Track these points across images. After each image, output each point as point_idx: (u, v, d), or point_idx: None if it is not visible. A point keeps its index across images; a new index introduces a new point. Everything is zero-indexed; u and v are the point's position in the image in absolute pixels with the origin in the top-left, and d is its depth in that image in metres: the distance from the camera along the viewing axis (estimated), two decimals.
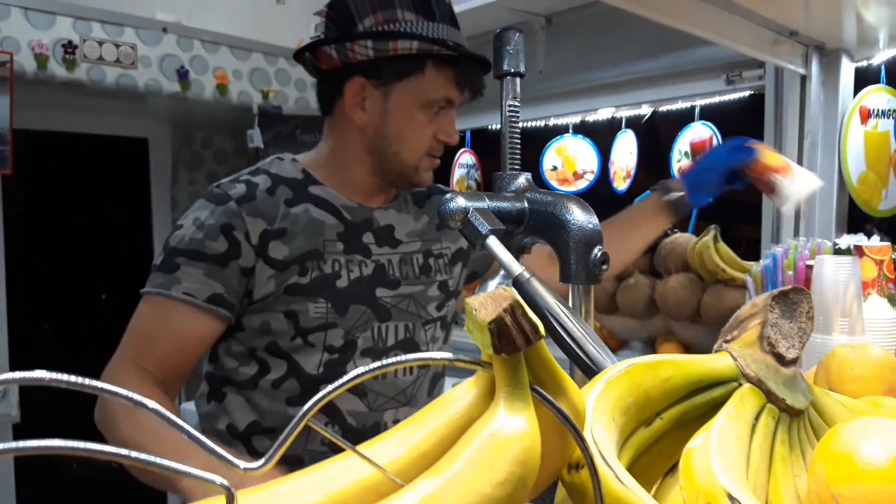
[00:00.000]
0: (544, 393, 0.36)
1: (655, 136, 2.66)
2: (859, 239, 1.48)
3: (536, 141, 2.45)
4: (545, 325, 0.58)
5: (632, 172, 2.31)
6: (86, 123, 2.48)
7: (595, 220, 0.66)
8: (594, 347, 0.54)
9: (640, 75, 1.97)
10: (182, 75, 2.16)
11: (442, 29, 1.05)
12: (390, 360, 0.35)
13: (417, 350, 1.14)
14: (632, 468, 0.46)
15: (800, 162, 1.60)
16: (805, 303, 0.49)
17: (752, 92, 1.83)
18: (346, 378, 0.34)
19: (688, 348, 1.95)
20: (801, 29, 1.45)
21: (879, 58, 1.63)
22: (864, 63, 1.65)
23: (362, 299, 1.08)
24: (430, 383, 1.19)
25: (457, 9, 2.03)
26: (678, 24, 1.25)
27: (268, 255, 1.03)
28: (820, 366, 0.76)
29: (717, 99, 1.98)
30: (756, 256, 1.81)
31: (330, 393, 0.34)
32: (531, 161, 2.38)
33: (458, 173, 2.62)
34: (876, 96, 1.60)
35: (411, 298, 1.15)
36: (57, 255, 2.84)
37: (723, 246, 1.84)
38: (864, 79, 1.64)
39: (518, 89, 0.73)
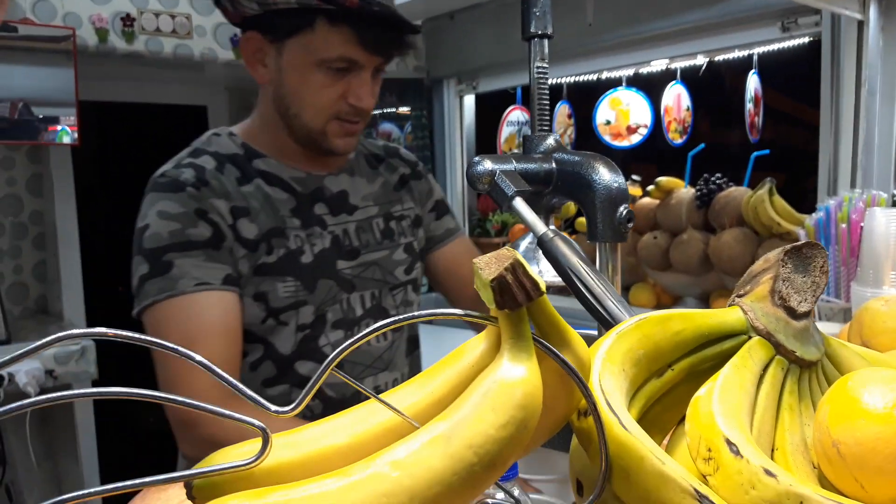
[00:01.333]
0: (547, 344, 0.39)
1: (714, 86, 2.60)
2: None
3: (590, 95, 2.42)
4: (568, 282, 0.61)
5: (689, 126, 2.27)
6: (147, 93, 2.57)
7: (621, 178, 0.67)
8: (614, 304, 0.56)
9: (692, 24, 1.93)
10: (235, 43, 2.21)
11: None
12: (400, 318, 0.38)
13: (386, 316, 1.12)
14: (645, 416, 0.49)
15: (857, 111, 1.55)
16: (819, 257, 0.50)
17: (809, 38, 1.77)
18: (362, 333, 0.37)
19: None
20: None
21: None
22: None
23: (328, 273, 1.05)
24: (407, 346, 1.18)
25: None
26: None
27: (240, 235, 0.99)
28: (854, 319, 0.76)
29: (774, 47, 1.93)
30: (815, 209, 1.77)
31: (354, 343, 0.37)
32: (585, 116, 2.36)
33: (506, 131, 2.62)
34: None
35: (376, 265, 1.11)
36: (126, 221, 2.96)
37: (778, 199, 1.81)
38: None
39: (546, 51, 0.74)
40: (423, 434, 0.36)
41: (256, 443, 0.37)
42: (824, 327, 1.24)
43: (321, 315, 1.05)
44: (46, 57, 1.89)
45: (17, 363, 1.91)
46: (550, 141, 0.73)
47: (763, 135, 2.06)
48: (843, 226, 1.34)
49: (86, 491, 0.32)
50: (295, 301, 1.03)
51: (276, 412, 0.36)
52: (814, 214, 1.42)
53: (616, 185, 0.66)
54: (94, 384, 2.23)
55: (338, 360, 0.37)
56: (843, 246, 1.35)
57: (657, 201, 2.14)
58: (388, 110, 2.78)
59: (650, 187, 2.16)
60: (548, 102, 0.74)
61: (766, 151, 1.99)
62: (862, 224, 1.28)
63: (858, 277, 1.17)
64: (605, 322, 0.56)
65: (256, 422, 0.36)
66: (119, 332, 0.35)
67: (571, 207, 2.15)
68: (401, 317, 0.38)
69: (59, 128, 2.00)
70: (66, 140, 2.00)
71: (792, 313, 0.49)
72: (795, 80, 2.25)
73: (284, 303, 1.02)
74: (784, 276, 0.49)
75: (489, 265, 0.37)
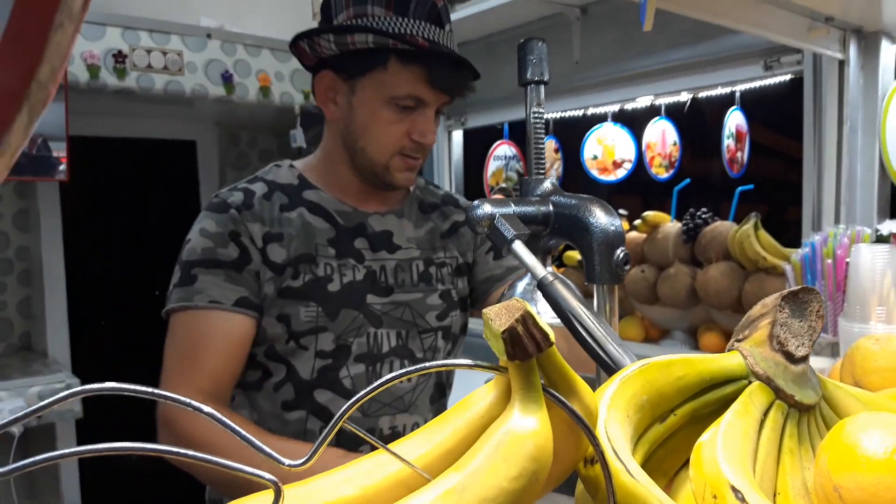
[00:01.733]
0: (556, 394, 0.39)
1: (699, 122, 2.64)
2: None
3: (576, 130, 2.45)
4: (568, 326, 0.61)
5: (676, 161, 2.30)
6: (137, 128, 2.58)
7: (617, 221, 0.68)
8: (614, 347, 0.57)
9: (677, 63, 1.97)
10: (227, 79, 2.23)
11: (411, 24, 1.02)
12: (417, 367, 0.39)
13: (412, 358, 1.14)
14: (648, 462, 0.49)
15: (839, 148, 1.59)
16: (815, 302, 0.51)
17: (791, 76, 1.81)
18: (382, 380, 0.38)
19: (729, 337, 1.95)
20: (837, 14, 1.44)
21: None
22: None
23: (354, 304, 1.09)
24: (435, 391, 1.19)
25: (492, 3, 2.05)
26: (711, 18, 1.26)
27: (268, 259, 1.05)
28: (845, 357, 0.77)
29: (756, 84, 1.97)
30: (799, 241, 1.80)
31: (368, 393, 0.38)
32: (573, 150, 2.39)
33: (493, 165, 2.65)
34: None
35: (407, 306, 1.14)
36: (112, 255, 2.96)
37: (764, 233, 1.84)
38: None
39: (542, 97, 0.76)
40: (435, 487, 0.36)
41: (268, 494, 0.37)
42: (813, 362, 1.26)
43: (343, 346, 1.08)
44: None
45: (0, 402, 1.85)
46: (547, 184, 0.74)
47: (747, 169, 2.10)
48: (829, 261, 1.37)
49: None
50: (315, 326, 1.06)
51: (289, 466, 0.37)
52: (799, 250, 1.45)
53: (613, 228, 0.67)
54: (79, 423, 2.19)
55: (350, 412, 0.37)
56: (829, 281, 1.37)
57: (644, 235, 2.16)
58: None
59: (637, 222, 2.18)
60: (544, 146, 0.75)
61: (751, 186, 2.02)
62: (847, 259, 1.30)
63: (845, 313, 1.18)
64: (606, 366, 0.57)
65: (269, 476, 0.36)
66: (132, 386, 0.35)
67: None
68: (406, 370, 0.38)
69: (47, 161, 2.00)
70: (56, 175, 2.00)
71: (790, 358, 0.50)
72: (778, 115, 2.30)
73: (305, 327, 1.06)
74: (781, 322, 0.50)
75: (500, 316, 0.38)
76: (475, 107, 2.56)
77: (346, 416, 0.37)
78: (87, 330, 2.69)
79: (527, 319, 0.37)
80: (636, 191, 2.86)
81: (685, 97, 2.18)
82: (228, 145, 2.81)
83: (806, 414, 0.50)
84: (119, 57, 2.02)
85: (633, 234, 2.20)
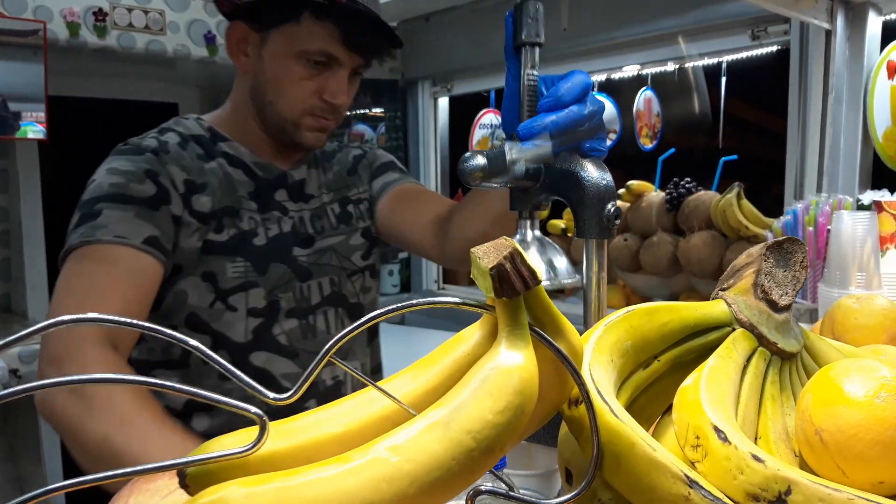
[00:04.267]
0: (543, 333, 0.39)
1: (683, 92, 2.64)
2: (882, 195, 1.48)
3: None
4: None
5: (658, 131, 2.31)
6: (118, 89, 2.54)
7: (608, 176, 0.68)
8: None
9: (664, 32, 1.96)
10: (209, 40, 2.19)
11: None
12: (404, 304, 0.39)
13: (345, 303, 1.12)
14: (631, 406, 0.50)
15: (823, 118, 1.59)
16: (799, 252, 0.52)
17: (778, 47, 1.81)
18: (367, 317, 0.38)
19: None
20: None
21: None
22: (892, 16, 1.62)
23: (282, 258, 1.06)
24: (367, 334, 1.18)
25: None
26: None
27: (192, 208, 0.99)
28: (826, 315, 0.78)
29: (743, 55, 1.97)
30: (781, 213, 1.81)
31: (356, 328, 0.37)
32: None
33: (478, 133, 2.64)
34: None
35: (332, 251, 1.12)
36: None
37: (746, 203, 1.85)
38: (892, 33, 1.62)
39: (536, 59, 0.75)
40: (422, 420, 0.36)
41: (252, 431, 0.37)
42: None
43: (274, 301, 1.04)
44: (15, 51, 1.85)
45: None
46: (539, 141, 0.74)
47: (730, 142, 2.11)
48: (810, 228, 1.38)
49: (75, 480, 0.32)
50: (244, 282, 1.02)
51: (274, 399, 0.36)
52: (782, 217, 1.46)
53: (604, 182, 0.67)
54: None
55: (337, 346, 0.37)
56: (809, 248, 1.38)
57: (628, 204, 2.17)
58: (362, 111, 2.78)
59: (621, 191, 2.19)
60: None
61: (735, 157, 2.03)
62: (829, 227, 1.31)
63: (825, 278, 1.20)
64: None
65: (254, 409, 0.36)
66: (111, 318, 0.35)
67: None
68: (400, 305, 0.38)
69: (22, 124, 1.96)
70: (32, 135, 1.96)
71: (773, 306, 0.50)
72: (763, 88, 2.30)
73: (233, 283, 1.01)
74: (766, 271, 0.51)
75: (487, 254, 0.38)
76: (461, 74, 2.54)
77: (332, 351, 0.37)
78: None
79: (515, 257, 0.37)
80: (621, 161, 2.87)
81: (671, 67, 2.17)
82: (211, 108, 2.76)
83: (788, 362, 0.51)
84: (100, 15, 1.98)
85: (617, 202, 2.21)
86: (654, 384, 0.50)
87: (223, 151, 1.07)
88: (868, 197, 1.47)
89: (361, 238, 1.18)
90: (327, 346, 0.38)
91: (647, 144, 2.32)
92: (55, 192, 2.43)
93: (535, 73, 0.75)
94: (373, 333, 1.21)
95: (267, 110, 1.06)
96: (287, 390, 1.07)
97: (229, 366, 0.35)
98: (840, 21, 1.55)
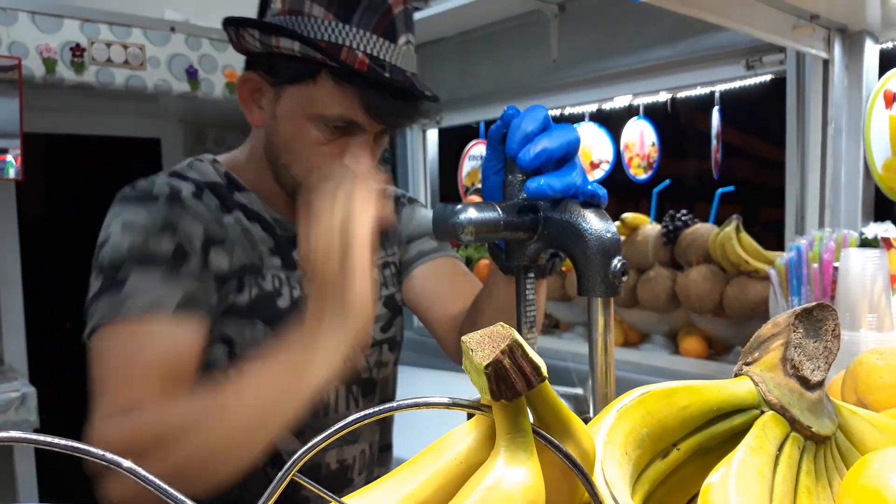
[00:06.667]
0: (549, 437, 0.33)
1: (678, 122, 2.61)
2: (886, 228, 1.44)
3: None
4: None
5: (654, 162, 2.27)
6: (98, 125, 2.48)
7: (613, 228, 0.62)
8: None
9: (656, 62, 1.92)
10: (191, 74, 2.14)
11: (352, 34, 0.85)
12: (381, 407, 0.33)
13: (357, 379, 1.02)
14: (649, 501, 0.44)
15: (823, 149, 1.55)
16: (831, 320, 0.46)
17: (773, 76, 1.78)
18: (337, 426, 0.32)
19: (710, 341, 1.92)
20: (823, 12, 1.40)
21: None
22: (890, 45, 1.59)
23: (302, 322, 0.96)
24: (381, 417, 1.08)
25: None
26: (693, 12, 1.21)
27: (211, 265, 0.88)
28: (847, 373, 0.72)
29: (737, 84, 1.93)
30: (782, 242, 1.76)
31: (317, 445, 0.31)
32: None
33: (467, 166, 2.59)
34: None
35: None
36: (73, 257, 2.85)
37: (745, 236, 1.80)
38: (889, 61, 1.58)
39: None
40: None
41: None
42: None
43: None
44: None
45: None
46: None
47: (726, 170, 2.06)
48: (815, 266, 1.32)
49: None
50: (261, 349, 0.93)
51: None
52: (784, 254, 1.40)
53: (609, 234, 0.61)
54: (37, 432, 2.09)
55: (299, 465, 0.31)
56: (815, 286, 1.33)
57: (623, 237, 2.12)
58: None
59: (616, 223, 2.14)
60: None
61: (731, 188, 1.98)
62: (835, 264, 1.26)
63: None
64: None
65: None
66: (34, 437, 0.29)
67: None
68: (376, 409, 0.32)
69: (5, 160, 1.90)
70: (11, 174, 1.90)
71: (805, 383, 0.44)
72: (758, 116, 2.27)
73: (250, 350, 0.91)
74: (795, 343, 0.45)
75: (482, 345, 0.32)
76: (450, 105, 2.50)
77: (292, 473, 0.31)
78: (46, 336, 2.58)
79: (514, 350, 0.31)
80: (614, 191, 2.83)
81: (664, 97, 2.14)
82: (194, 143, 2.71)
83: (822, 446, 0.45)
84: (77, 50, 1.93)
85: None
86: (674, 474, 0.44)
87: (241, 203, 0.96)
88: (872, 230, 1.42)
89: (383, 308, 1.06)
90: (292, 461, 0.31)
91: (640, 175, 2.28)
92: (33, 232, 2.36)
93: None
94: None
95: (281, 172, 0.94)
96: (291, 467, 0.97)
97: (172, 491, 0.29)
98: (837, 50, 1.51)
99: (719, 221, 1.90)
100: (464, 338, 0.33)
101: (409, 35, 0.91)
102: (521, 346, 0.32)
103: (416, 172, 2.69)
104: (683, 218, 1.97)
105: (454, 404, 0.34)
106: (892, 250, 1.23)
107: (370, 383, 1.05)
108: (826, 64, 1.51)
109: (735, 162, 3.24)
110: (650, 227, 2.06)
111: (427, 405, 0.34)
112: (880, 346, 1.11)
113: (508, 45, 2.27)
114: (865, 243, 1.38)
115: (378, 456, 1.10)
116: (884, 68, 1.57)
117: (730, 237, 1.76)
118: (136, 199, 0.89)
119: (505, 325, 0.33)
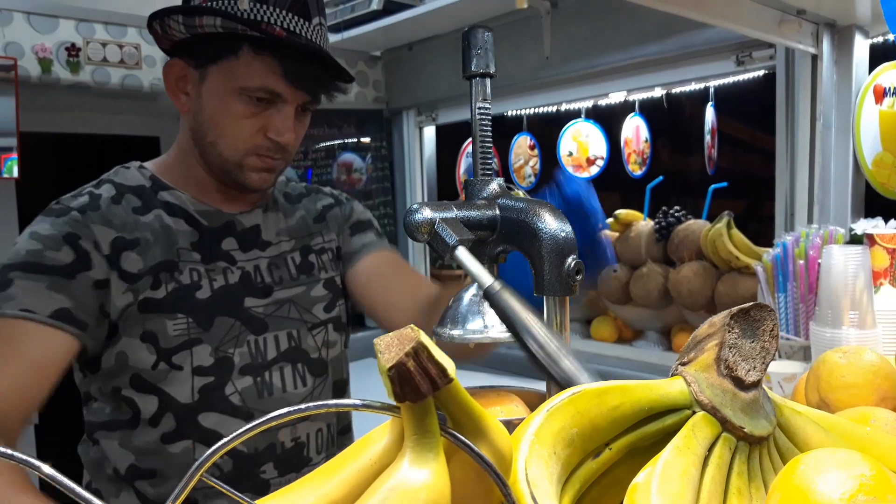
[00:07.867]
0: (459, 437, 0.34)
1: (672, 118, 2.60)
2: (876, 224, 1.43)
3: (551, 126, 2.41)
4: (517, 339, 0.56)
5: (647, 157, 2.27)
6: (96, 124, 2.49)
7: (568, 227, 0.63)
8: (569, 362, 0.52)
9: (648, 58, 1.92)
10: None
11: (269, 12, 0.93)
12: (291, 409, 0.33)
13: (306, 359, 1.06)
14: (581, 501, 0.44)
15: (812, 145, 1.54)
16: (769, 320, 0.46)
17: (764, 71, 1.77)
18: (239, 431, 0.32)
19: None
20: (809, 7, 1.39)
21: None
22: (879, 39, 1.58)
23: (229, 311, 0.99)
24: (334, 391, 1.10)
25: None
26: (680, 11, 1.20)
27: (122, 268, 0.94)
28: (811, 371, 0.72)
29: (730, 80, 1.93)
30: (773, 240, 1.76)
31: (224, 446, 0.32)
32: (550, 146, 2.35)
33: (465, 163, 2.60)
34: (891, 74, 1.53)
35: (291, 303, 1.05)
36: None
37: (737, 233, 1.80)
38: (879, 56, 1.58)
39: (489, 91, 0.70)
40: None
41: None
42: (784, 366, 1.21)
43: (224, 358, 0.98)
44: None
45: None
46: (494, 186, 0.68)
47: (720, 165, 2.06)
48: (801, 262, 1.32)
49: None
50: (188, 339, 0.95)
51: None
52: (771, 250, 1.40)
53: (563, 234, 0.61)
54: (37, 429, 2.12)
55: (207, 464, 0.31)
56: (801, 282, 1.32)
57: (616, 234, 2.12)
58: (350, 140, 2.74)
59: (609, 220, 2.14)
60: (490, 144, 0.69)
61: (725, 184, 1.98)
62: (819, 261, 1.25)
63: (817, 317, 1.14)
64: (558, 381, 0.51)
65: None
66: None
67: None
68: (284, 410, 0.33)
69: (3, 159, 1.92)
70: (9, 173, 1.92)
71: (740, 384, 0.45)
72: (751, 111, 2.26)
73: (176, 342, 0.95)
74: (731, 343, 0.45)
75: (390, 347, 0.33)
76: (446, 102, 2.50)
77: (202, 471, 0.32)
78: None
79: (419, 352, 0.32)
80: (611, 187, 2.82)
81: (658, 93, 2.13)
82: None
83: (758, 446, 0.45)
84: (72, 50, 1.94)
85: (606, 232, 2.16)
86: (607, 475, 0.45)
87: (164, 201, 1.01)
88: (861, 227, 1.42)
89: (324, 289, 1.10)
90: (201, 459, 0.32)
91: (636, 171, 2.28)
92: None
93: (488, 105, 0.70)
94: (340, 390, 1.13)
95: (208, 151, 0.99)
96: (240, 455, 0.98)
97: (80, 489, 0.30)
98: (826, 45, 1.50)
99: (712, 218, 1.89)
100: (376, 340, 0.33)
101: (321, 18, 0.99)
102: (426, 348, 0.32)
103: (412, 169, 2.69)
104: (676, 214, 1.96)
105: (365, 406, 0.34)
106: (875, 247, 1.23)
107: (320, 363, 1.07)
108: (815, 59, 1.50)
109: (734, 156, 3.23)
110: (643, 224, 2.06)
111: (340, 407, 0.34)
112: (863, 343, 1.11)
113: (502, 42, 2.27)
114: (854, 240, 1.38)
115: (337, 438, 1.11)
116: (874, 63, 1.57)
117: (721, 233, 1.76)
118: (52, 211, 0.96)
119: (414, 327, 0.33)
